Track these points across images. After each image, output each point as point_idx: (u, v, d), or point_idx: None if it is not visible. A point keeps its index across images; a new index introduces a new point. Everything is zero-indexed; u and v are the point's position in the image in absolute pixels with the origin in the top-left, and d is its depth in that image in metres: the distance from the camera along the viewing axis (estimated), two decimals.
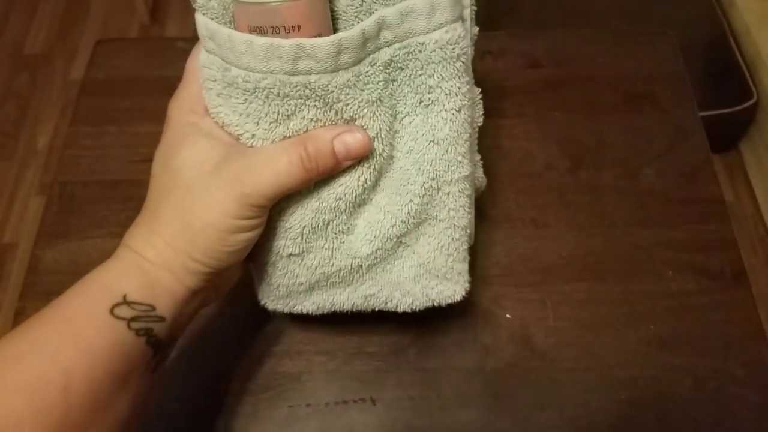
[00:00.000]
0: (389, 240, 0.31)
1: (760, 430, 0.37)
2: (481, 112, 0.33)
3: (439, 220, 0.31)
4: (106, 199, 0.44)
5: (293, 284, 0.32)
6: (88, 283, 0.26)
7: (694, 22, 1.16)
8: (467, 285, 0.33)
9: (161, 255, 0.27)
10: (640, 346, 0.39)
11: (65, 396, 0.23)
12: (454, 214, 0.31)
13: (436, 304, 0.33)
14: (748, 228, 1.16)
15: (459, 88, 0.28)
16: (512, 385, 0.38)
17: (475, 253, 0.42)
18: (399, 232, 0.31)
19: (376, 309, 0.34)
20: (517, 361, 0.38)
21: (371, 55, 0.26)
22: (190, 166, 0.27)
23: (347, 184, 0.29)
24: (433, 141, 0.29)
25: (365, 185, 0.29)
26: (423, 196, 0.30)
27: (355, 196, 0.30)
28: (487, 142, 0.48)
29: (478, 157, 0.35)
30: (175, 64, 0.51)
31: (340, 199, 0.29)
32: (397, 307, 0.34)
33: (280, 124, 0.27)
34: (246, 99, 0.27)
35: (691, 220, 0.44)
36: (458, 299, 0.33)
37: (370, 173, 0.29)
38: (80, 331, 0.24)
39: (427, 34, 0.26)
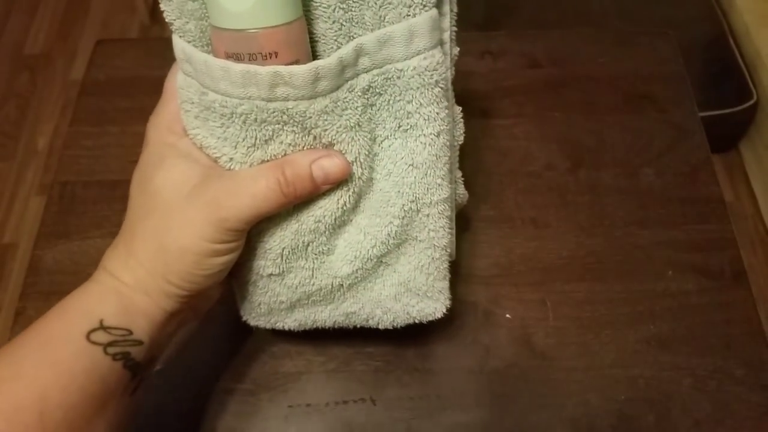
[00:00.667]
0: (369, 260, 0.31)
1: (760, 430, 0.37)
2: (462, 131, 0.33)
3: (419, 241, 0.31)
4: (106, 199, 0.44)
5: (274, 302, 0.32)
6: (66, 307, 0.26)
7: (694, 22, 1.16)
8: (447, 302, 0.33)
9: (138, 278, 0.27)
10: (639, 345, 0.39)
11: (41, 422, 0.23)
12: (434, 235, 0.31)
13: (416, 321, 0.33)
14: (748, 228, 1.16)
15: (437, 113, 0.28)
16: (512, 385, 0.38)
17: (475, 253, 0.42)
18: (379, 253, 0.31)
19: (358, 326, 0.34)
20: (517, 361, 0.38)
21: (349, 81, 0.26)
22: (168, 189, 0.27)
23: (326, 207, 0.29)
24: (412, 165, 0.29)
25: (344, 208, 0.29)
26: (403, 218, 0.30)
27: (335, 218, 0.29)
28: (487, 142, 0.48)
29: (459, 174, 0.35)
30: None
31: (319, 221, 0.29)
32: (378, 324, 0.34)
33: (258, 148, 0.27)
34: (223, 123, 0.26)
35: (691, 220, 0.44)
36: (439, 316, 0.33)
37: (349, 196, 0.29)
38: (57, 356, 0.24)
39: (405, 61, 0.26)
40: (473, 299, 0.40)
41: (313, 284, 0.32)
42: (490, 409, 0.37)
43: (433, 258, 0.32)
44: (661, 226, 0.44)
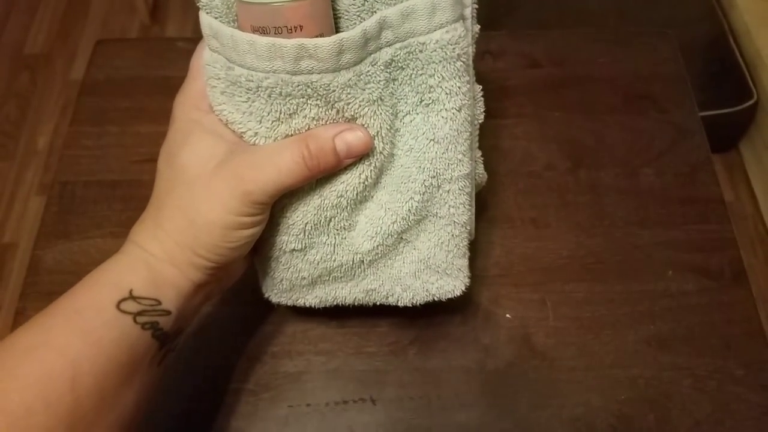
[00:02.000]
0: (390, 236, 0.31)
1: (760, 430, 0.37)
2: (482, 110, 0.33)
3: (440, 217, 0.31)
4: (106, 199, 0.44)
5: (296, 278, 0.33)
6: (96, 278, 0.27)
7: (694, 22, 1.16)
8: (467, 280, 0.33)
9: (166, 250, 0.27)
10: (639, 345, 0.39)
11: (73, 388, 0.23)
12: (454, 211, 0.31)
13: (436, 299, 0.33)
14: (748, 228, 1.16)
15: (459, 87, 0.28)
16: (512, 385, 0.38)
17: (475, 253, 0.42)
18: (400, 229, 0.31)
19: (378, 303, 0.34)
20: (517, 361, 0.38)
21: (372, 55, 0.27)
22: (194, 164, 0.27)
23: (348, 182, 0.29)
24: (433, 140, 0.29)
25: (366, 183, 0.30)
26: (423, 194, 0.30)
27: (356, 194, 0.30)
28: (487, 142, 0.48)
29: (478, 153, 0.35)
30: (175, 64, 0.52)
31: (341, 196, 0.29)
32: (398, 301, 0.34)
33: (282, 122, 0.27)
34: (249, 98, 0.27)
35: (691, 220, 0.44)
36: (458, 294, 0.33)
37: (371, 171, 0.29)
38: (87, 325, 0.25)
39: (427, 34, 0.26)
40: (473, 299, 0.40)
41: (335, 260, 0.32)
42: (490, 409, 0.37)
43: (453, 235, 0.32)
44: (661, 226, 0.44)
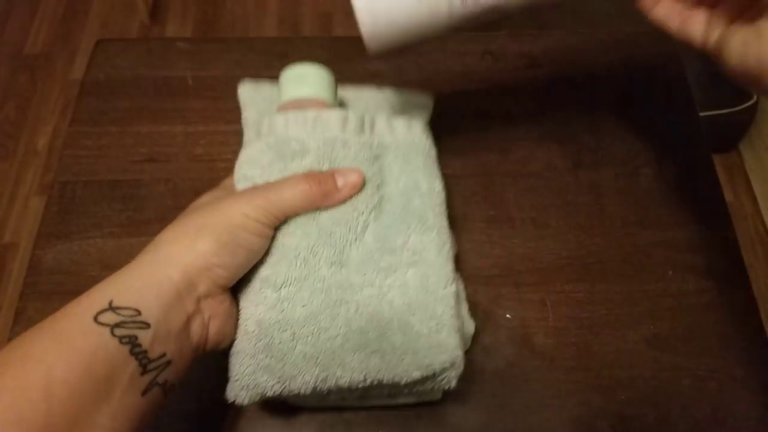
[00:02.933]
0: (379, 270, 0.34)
1: (760, 430, 0.37)
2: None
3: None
4: (106, 199, 0.44)
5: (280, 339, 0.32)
6: (90, 291, 0.27)
7: None
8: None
9: (159, 252, 0.29)
10: (639, 345, 0.39)
11: (47, 399, 0.23)
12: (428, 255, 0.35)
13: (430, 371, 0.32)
14: (748, 228, 1.17)
15: (427, 166, 0.37)
16: (512, 385, 0.38)
17: (475, 253, 0.42)
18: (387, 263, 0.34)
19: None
20: (517, 361, 0.38)
21: (365, 136, 0.36)
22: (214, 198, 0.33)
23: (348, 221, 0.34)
24: (417, 191, 0.36)
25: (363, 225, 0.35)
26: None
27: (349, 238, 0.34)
28: (487, 143, 0.48)
29: (465, 308, 0.37)
30: (175, 64, 0.52)
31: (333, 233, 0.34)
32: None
33: (284, 170, 0.35)
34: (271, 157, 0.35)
35: (691, 220, 0.44)
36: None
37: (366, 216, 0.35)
38: (64, 335, 0.25)
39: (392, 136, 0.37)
40: (473, 299, 0.40)
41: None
42: (490, 409, 0.37)
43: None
44: (661, 226, 0.44)
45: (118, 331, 0.25)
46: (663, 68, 0.51)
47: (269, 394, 0.31)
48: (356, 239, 0.34)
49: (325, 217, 0.33)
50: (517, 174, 0.46)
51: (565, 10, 1.15)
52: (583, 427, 0.36)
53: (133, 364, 0.26)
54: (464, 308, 0.37)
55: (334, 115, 0.35)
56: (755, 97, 1.11)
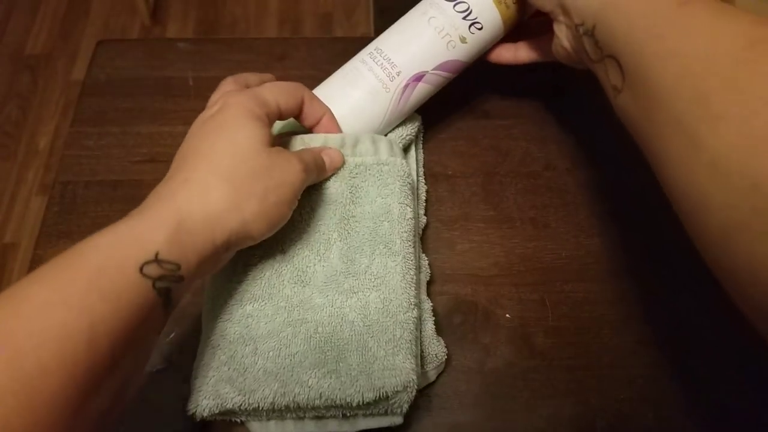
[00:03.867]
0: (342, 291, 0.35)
1: (759, 430, 0.37)
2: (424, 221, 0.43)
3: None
4: (107, 200, 0.45)
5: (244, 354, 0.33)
6: (120, 233, 0.26)
7: None
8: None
9: (208, 211, 0.28)
10: (638, 345, 0.39)
11: (89, 349, 0.23)
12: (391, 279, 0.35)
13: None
14: None
15: (403, 191, 0.38)
16: (512, 385, 0.38)
17: (475, 253, 0.42)
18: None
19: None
20: (516, 360, 0.39)
21: (353, 158, 0.38)
22: (254, 142, 0.32)
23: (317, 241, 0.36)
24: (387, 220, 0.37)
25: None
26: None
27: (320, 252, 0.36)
28: (487, 142, 0.48)
29: (442, 345, 0.38)
30: (176, 64, 0.52)
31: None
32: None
33: None
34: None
35: None
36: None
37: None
38: (109, 286, 0.24)
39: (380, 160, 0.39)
40: (473, 299, 0.41)
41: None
42: (490, 409, 0.37)
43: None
44: (661, 226, 0.44)
45: (159, 284, 0.26)
46: None
47: (229, 406, 0.31)
48: (320, 260, 0.35)
49: (289, 241, 0.36)
50: (517, 174, 0.46)
51: None
52: (583, 427, 0.37)
53: (160, 312, 0.27)
54: (429, 329, 0.37)
55: (317, 136, 0.38)
56: None
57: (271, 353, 0.32)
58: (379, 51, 0.39)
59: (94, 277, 0.24)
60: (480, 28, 0.40)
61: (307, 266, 0.35)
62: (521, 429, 0.37)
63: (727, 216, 0.23)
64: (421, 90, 0.40)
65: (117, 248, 0.26)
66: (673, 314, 0.40)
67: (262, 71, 0.46)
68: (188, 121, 0.49)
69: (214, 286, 0.35)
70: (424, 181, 0.44)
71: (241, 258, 0.35)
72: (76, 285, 0.24)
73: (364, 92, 0.39)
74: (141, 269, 0.25)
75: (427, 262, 0.40)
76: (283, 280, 0.35)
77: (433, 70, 0.39)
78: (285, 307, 0.34)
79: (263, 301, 0.34)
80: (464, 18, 0.39)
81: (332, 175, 0.38)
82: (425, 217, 0.43)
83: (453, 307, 0.40)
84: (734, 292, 0.24)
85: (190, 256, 0.27)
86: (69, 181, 0.46)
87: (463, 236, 0.43)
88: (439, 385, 0.38)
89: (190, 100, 0.50)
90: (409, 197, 0.38)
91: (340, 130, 0.39)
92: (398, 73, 0.39)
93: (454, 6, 0.39)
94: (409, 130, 0.43)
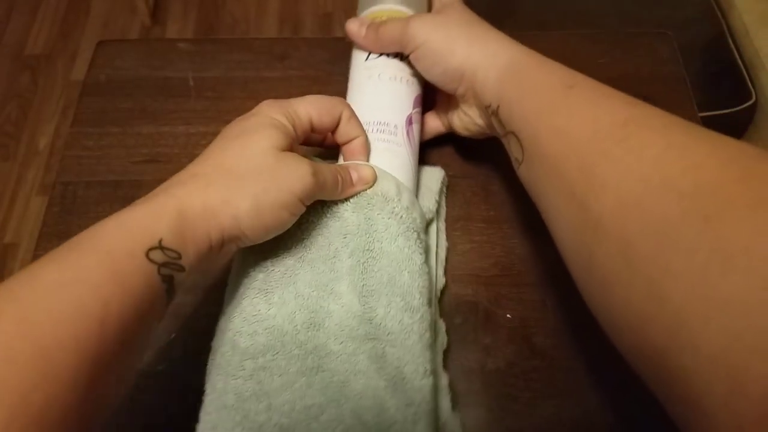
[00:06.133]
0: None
1: None
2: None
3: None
4: (108, 200, 0.45)
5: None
6: (124, 220, 0.27)
7: (693, 23, 1.16)
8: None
9: (208, 207, 0.29)
10: None
11: (101, 328, 0.24)
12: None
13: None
14: None
15: (418, 244, 0.36)
16: (512, 385, 0.38)
17: (476, 253, 0.42)
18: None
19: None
20: (517, 360, 0.39)
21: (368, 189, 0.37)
22: (265, 148, 0.32)
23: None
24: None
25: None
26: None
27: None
28: (487, 142, 0.48)
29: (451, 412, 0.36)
30: (176, 65, 0.52)
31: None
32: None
33: None
34: None
35: None
36: None
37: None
38: (118, 267, 0.25)
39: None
40: (473, 299, 0.41)
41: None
42: (490, 409, 0.37)
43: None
44: None
45: (163, 270, 0.27)
46: (662, 68, 0.52)
47: None
48: (334, 297, 0.33)
49: (302, 280, 0.34)
50: (517, 174, 0.46)
51: (566, 10, 1.15)
52: (583, 427, 0.37)
53: (163, 299, 0.28)
54: (446, 406, 0.35)
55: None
56: (754, 97, 1.11)
57: (285, 407, 0.31)
58: (367, 123, 0.39)
59: (104, 259, 0.25)
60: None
61: (320, 306, 0.33)
62: (522, 429, 0.37)
63: (607, 269, 0.27)
64: (416, 131, 0.41)
65: (125, 233, 0.27)
66: None
67: (262, 71, 0.46)
68: (188, 121, 0.50)
69: (224, 331, 0.34)
70: (445, 236, 0.42)
71: (250, 307, 0.33)
72: (89, 267, 0.25)
73: (384, 156, 0.39)
74: (147, 254, 0.26)
75: (444, 327, 0.38)
76: (296, 325, 0.33)
77: (414, 109, 0.41)
78: (298, 356, 0.32)
79: (275, 351, 0.32)
80: (400, 59, 0.41)
81: (349, 200, 0.36)
82: (444, 278, 0.41)
83: (454, 308, 0.40)
84: (613, 337, 0.30)
85: (189, 247, 0.28)
86: (69, 181, 0.46)
87: (464, 236, 0.43)
88: None
89: (190, 100, 0.50)
90: (422, 251, 0.36)
91: (368, 158, 0.38)
92: (395, 127, 0.39)
93: (387, 55, 0.41)
94: (434, 180, 0.43)
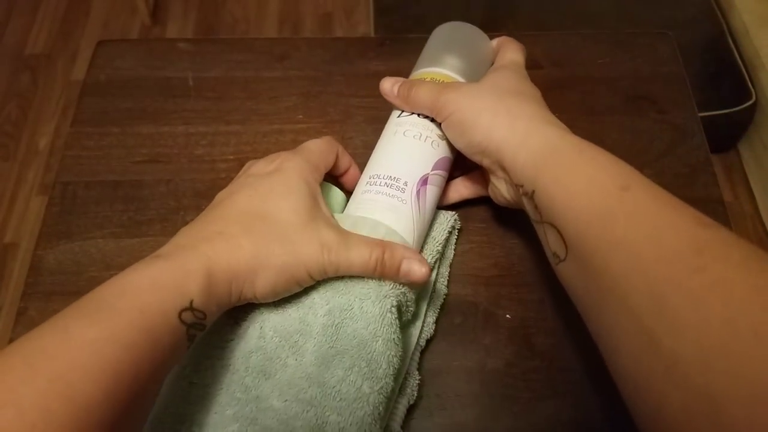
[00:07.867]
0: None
1: None
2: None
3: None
4: (108, 200, 0.45)
5: None
6: (155, 279, 0.28)
7: (693, 23, 1.16)
8: None
9: (233, 270, 0.30)
10: None
11: (134, 385, 0.25)
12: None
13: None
14: (747, 228, 1.17)
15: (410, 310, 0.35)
16: (512, 385, 0.38)
17: (476, 254, 0.42)
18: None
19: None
20: (516, 360, 0.39)
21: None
22: (293, 211, 0.33)
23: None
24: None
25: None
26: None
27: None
28: None
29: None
30: (176, 64, 0.52)
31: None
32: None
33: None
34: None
35: None
36: None
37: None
38: (153, 328, 0.26)
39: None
40: (473, 299, 0.41)
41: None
42: (490, 409, 0.37)
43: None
44: None
45: (191, 330, 0.28)
46: (663, 68, 0.52)
47: None
48: (294, 352, 0.32)
49: (269, 323, 0.33)
50: None
51: (565, 10, 1.15)
52: (583, 427, 0.37)
53: (184, 351, 0.29)
54: None
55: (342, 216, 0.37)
56: (754, 97, 1.11)
57: None
58: (377, 176, 0.38)
59: (137, 318, 0.26)
60: None
61: (278, 355, 0.32)
62: (521, 429, 0.37)
63: (685, 419, 0.23)
64: (431, 192, 0.39)
65: (158, 293, 0.27)
66: None
67: (262, 71, 0.46)
68: (188, 121, 0.50)
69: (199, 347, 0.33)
70: (446, 284, 0.41)
71: (218, 330, 0.33)
72: (122, 325, 0.25)
73: (385, 209, 0.37)
74: (180, 315, 0.27)
75: (417, 381, 0.37)
76: (248, 367, 0.32)
77: (432, 171, 0.39)
78: (239, 400, 0.31)
79: (220, 386, 0.32)
80: (431, 120, 0.39)
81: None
82: (434, 326, 0.39)
83: (453, 308, 0.40)
84: None
85: (213, 307, 0.29)
86: (69, 181, 0.46)
87: (463, 237, 0.43)
88: (439, 385, 0.38)
89: (190, 101, 0.50)
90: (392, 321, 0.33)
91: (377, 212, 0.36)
92: (405, 183, 0.37)
93: (417, 114, 0.40)
94: (435, 252, 0.40)
